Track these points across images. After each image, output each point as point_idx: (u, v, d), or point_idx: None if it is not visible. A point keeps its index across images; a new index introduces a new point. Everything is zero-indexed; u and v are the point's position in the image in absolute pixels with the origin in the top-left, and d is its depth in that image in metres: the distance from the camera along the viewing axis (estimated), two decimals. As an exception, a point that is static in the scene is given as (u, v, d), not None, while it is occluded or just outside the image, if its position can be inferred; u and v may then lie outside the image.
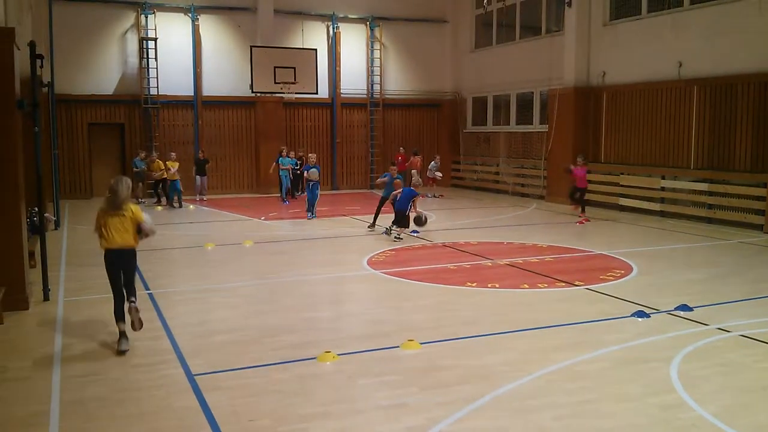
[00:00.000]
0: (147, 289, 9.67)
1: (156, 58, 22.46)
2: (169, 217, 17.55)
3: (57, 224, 15.46)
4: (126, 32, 22.60)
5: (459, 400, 5.61)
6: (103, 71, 22.39)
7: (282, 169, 21.40)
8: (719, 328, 7.63)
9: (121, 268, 7.10)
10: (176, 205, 19.93)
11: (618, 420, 5.26)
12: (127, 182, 7.22)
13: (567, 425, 5.17)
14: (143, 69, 22.46)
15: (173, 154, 20.98)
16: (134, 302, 7.11)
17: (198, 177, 21.65)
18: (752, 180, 15.22)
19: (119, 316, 7.05)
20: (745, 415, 5.37)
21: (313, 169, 16.94)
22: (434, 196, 22.47)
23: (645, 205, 17.88)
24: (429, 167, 23.11)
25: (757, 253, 12.55)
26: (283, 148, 22.05)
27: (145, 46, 22.41)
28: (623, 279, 10.30)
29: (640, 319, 8.01)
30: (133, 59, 22.68)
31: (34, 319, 8.22)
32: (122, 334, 6.97)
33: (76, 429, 5.15)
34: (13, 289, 8.47)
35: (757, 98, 15.39)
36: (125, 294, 7.11)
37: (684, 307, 8.38)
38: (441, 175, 23.17)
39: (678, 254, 12.46)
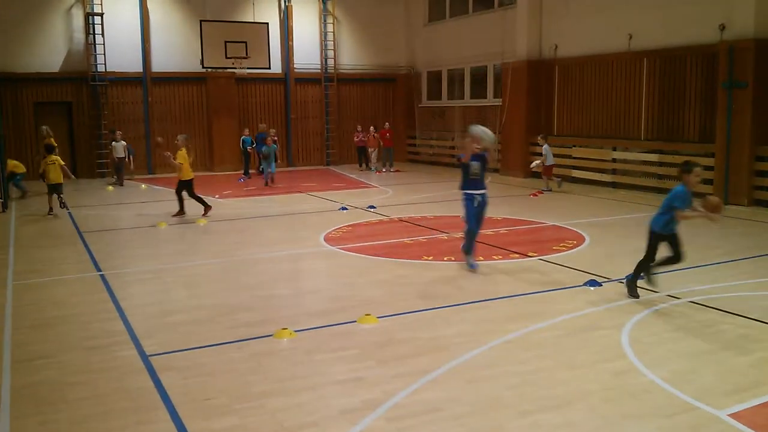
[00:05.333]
0: (99, 270, 9.50)
1: (103, 34, 21.83)
2: (120, 197, 17.22)
3: (4, 207, 15.10)
4: (71, 7, 21.88)
5: (415, 372, 5.65)
6: (48, 48, 21.69)
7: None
8: (669, 295, 7.82)
9: None
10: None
11: (571, 386, 5.37)
12: None
13: (520, 393, 5.25)
14: (90, 45, 21.84)
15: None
16: None
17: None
18: (701, 150, 15.53)
19: None
20: (693, 378, 5.51)
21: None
22: (548, 190, 17.36)
23: (597, 176, 18.16)
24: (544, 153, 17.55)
25: (705, 222, 12.77)
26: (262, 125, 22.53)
27: (91, 22, 21.77)
28: (576, 249, 10.48)
29: (592, 288, 8.17)
30: (79, 35, 22.02)
31: (-18, 304, 8.02)
32: None
33: (28, 414, 5.05)
34: (-41, 273, 8.26)
35: (705, 69, 15.66)
36: None
37: (635, 276, 8.54)
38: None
39: (629, 224, 12.68)
